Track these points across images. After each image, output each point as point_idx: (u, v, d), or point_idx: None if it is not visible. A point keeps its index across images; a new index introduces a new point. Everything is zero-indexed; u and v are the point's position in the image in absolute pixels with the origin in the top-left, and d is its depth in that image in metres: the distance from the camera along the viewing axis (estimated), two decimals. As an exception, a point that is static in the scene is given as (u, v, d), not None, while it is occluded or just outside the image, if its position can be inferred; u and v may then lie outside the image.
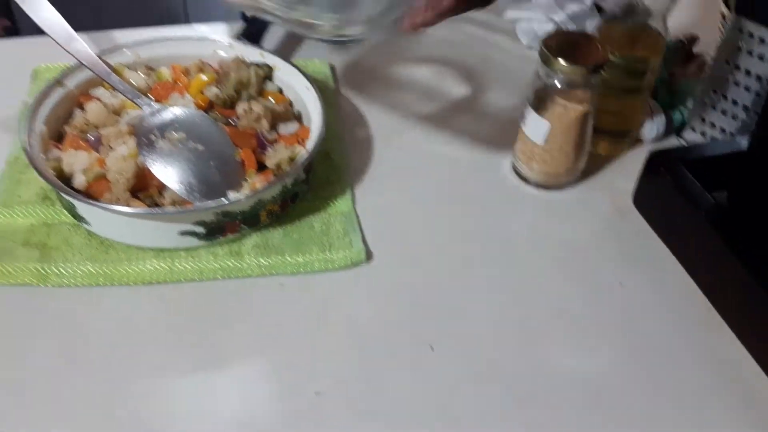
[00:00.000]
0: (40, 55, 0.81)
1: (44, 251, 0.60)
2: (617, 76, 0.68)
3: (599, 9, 0.81)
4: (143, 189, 0.62)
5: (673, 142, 0.77)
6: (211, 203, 0.59)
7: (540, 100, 0.67)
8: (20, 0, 0.71)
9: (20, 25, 1.84)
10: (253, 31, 0.85)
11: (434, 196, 0.70)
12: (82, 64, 0.68)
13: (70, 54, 0.69)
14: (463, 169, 0.73)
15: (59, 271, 0.59)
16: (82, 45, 0.70)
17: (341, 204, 0.67)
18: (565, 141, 0.67)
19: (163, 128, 0.63)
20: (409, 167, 0.72)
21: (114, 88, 0.68)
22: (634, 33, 0.68)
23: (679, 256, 0.65)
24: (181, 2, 2.27)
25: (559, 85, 0.64)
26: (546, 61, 0.63)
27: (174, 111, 0.65)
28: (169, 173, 0.61)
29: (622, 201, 0.70)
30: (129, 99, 0.66)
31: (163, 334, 0.56)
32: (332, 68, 0.84)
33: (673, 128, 0.77)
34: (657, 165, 0.66)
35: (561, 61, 0.62)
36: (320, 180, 0.69)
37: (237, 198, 0.59)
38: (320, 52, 0.86)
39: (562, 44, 0.64)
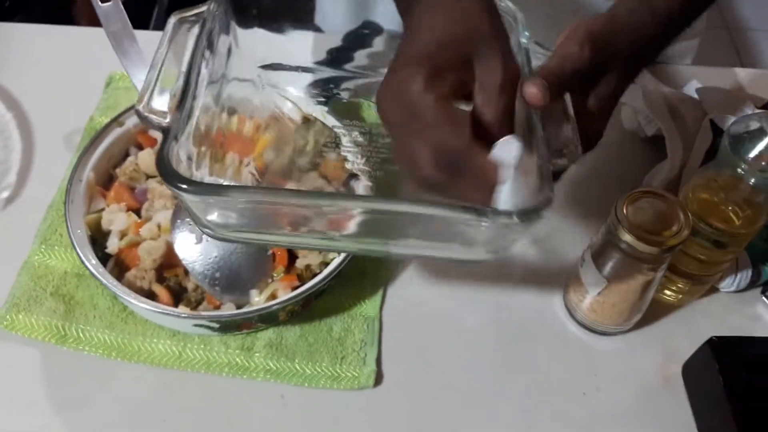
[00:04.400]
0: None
1: (69, 306, 0.62)
2: (699, 244, 0.61)
3: (714, 127, 0.71)
4: (171, 267, 0.62)
5: (755, 297, 0.69)
6: (222, 313, 0.58)
7: (603, 250, 0.60)
8: (98, 10, 0.70)
9: None
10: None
11: (469, 311, 0.66)
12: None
13: (136, 87, 0.68)
14: (509, 288, 0.68)
15: (78, 335, 0.61)
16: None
17: (368, 306, 0.65)
18: (621, 299, 0.61)
19: (200, 211, 0.62)
20: (451, 270, 0.68)
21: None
22: (731, 195, 0.59)
23: (712, 452, 0.59)
24: None
25: (625, 248, 0.57)
26: (615, 225, 0.57)
27: (216, 190, 0.63)
28: (195, 262, 0.60)
29: (671, 365, 0.64)
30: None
31: (161, 423, 0.58)
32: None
33: (760, 283, 0.68)
34: (714, 353, 0.59)
35: (629, 236, 0.55)
36: (354, 270, 0.66)
37: (252, 309, 0.58)
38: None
39: (639, 208, 0.57)
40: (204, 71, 0.52)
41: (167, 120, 0.47)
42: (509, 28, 0.56)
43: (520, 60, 0.53)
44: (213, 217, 0.49)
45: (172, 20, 0.53)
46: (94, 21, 1.24)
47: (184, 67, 0.50)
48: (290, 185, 0.65)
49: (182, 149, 0.49)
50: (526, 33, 0.55)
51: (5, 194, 0.69)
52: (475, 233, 0.49)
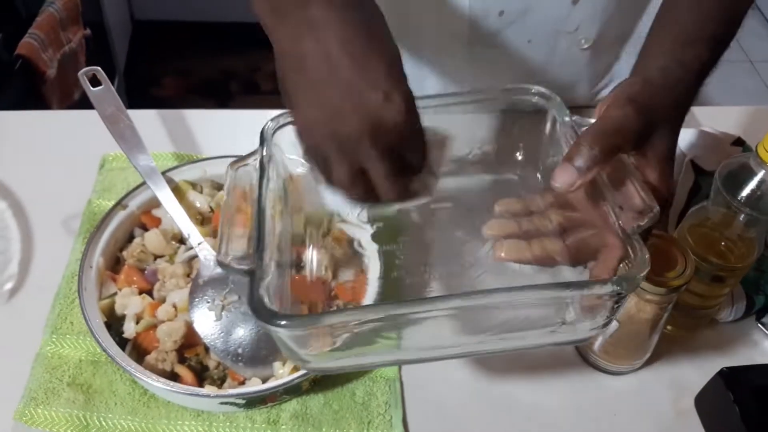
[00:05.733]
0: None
1: (88, 395, 0.61)
2: (699, 280, 0.63)
3: (695, 166, 0.75)
4: (191, 346, 0.62)
5: (751, 324, 0.72)
6: (250, 389, 0.58)
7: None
8: (91, 95, 0.71)
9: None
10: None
11: (481, 361, 0.67)
12: (146, 183, 0.68)
13: (137, 169, 0.68)
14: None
15: (100, 423, 0.60)
16: (149, 161, 0.69)
17: (387, 368, 0.65)
18: (632, 339, 0.63)
19: (218, 288, 0.62)
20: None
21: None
22: (725, 232, 0.63)
23: (733, 481, 0.61)
24: None
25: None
26: (620, 268, 0.59)
27: (230, 265, 0.64)
28: (215, 339, 0.60)
29: (683, 398, 0.66)
30: (188, 242, 0.65)
31: None
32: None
33: (754, 311, 0.71)
34: (727, 383, 0.62)
35: (637, 277, 0.58)
36: (370, 331, 0.67)
37: (279, 382, 0.58)
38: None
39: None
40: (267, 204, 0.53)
41: (249, 264, 0.47)
42: (544, 110, 0.57)
43: (569, 136, 0.54)
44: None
45: (230, 171, 0.54)
46: (64, 99, 1.24)
47: (254, 213, 0.51)
48: (306, 252, 0.66)
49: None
50: (566, 111, 0.56)
51: (9, 286, 0.68)
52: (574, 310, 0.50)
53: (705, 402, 0.65)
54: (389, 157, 0.46)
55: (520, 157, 0.62)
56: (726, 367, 0.62)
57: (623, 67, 0.83)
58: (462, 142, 0.61)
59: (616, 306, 0.49)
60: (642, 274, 0.46)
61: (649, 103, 0.51)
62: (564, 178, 0.49)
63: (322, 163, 0.47)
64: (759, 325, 0.72)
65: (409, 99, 0.45)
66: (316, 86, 0.45)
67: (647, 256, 0.46)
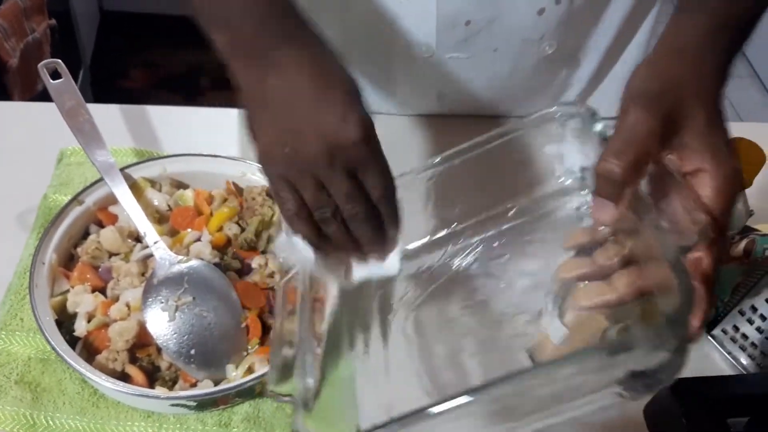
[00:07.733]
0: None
1: (36, 394, 0.60)
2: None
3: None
4: (143, 346, 0.61)
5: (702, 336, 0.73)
6: (201, 391, 0.58)
7: (565, 296, 0.63)
8: (50, 88, 0.70)
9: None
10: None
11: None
12: (103, 179, 0.67)
13: (94, 165, 0.67)
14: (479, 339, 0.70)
15: (48, 423, 0.59)
16: (108, 156, 0.68)
17: (343, 367, 0.65)
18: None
19: (172, 288, 0.61)
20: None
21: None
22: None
23: (678, 490, 0.62)
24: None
25: (585, 300, 0.61)
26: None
27: (186, 266, 0.63)
28: (168, 340, 0.60)
29: (632, 409, 0.67)
30: (144, 240, 0.65)
31: None
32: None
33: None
34: (675, 395, 0.63)
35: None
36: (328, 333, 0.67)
37: (231, 385, 0.58)
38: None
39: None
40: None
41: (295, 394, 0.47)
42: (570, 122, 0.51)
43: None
44: None
45: (281, 289, 0.54)
46: (27, 91, 1.22)
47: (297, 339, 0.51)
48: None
49: None
50: (598, 124, 0.48)
51: (-42, 280, 0.67)
52: None
53: (654, 413, 0.66)
54: (349, 176, 0.46)
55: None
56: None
57: (584, 73, 0.84)
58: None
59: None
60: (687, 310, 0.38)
61: (659, 88, 0.44)
62: (603, 216, 0.46)
63: (286, 194, 0.47)
64: (709, 337, 0.73)
65: (365, 122, 0.46)
66: (279, 117, 0.47)
67: (689, 287, 0.38)
